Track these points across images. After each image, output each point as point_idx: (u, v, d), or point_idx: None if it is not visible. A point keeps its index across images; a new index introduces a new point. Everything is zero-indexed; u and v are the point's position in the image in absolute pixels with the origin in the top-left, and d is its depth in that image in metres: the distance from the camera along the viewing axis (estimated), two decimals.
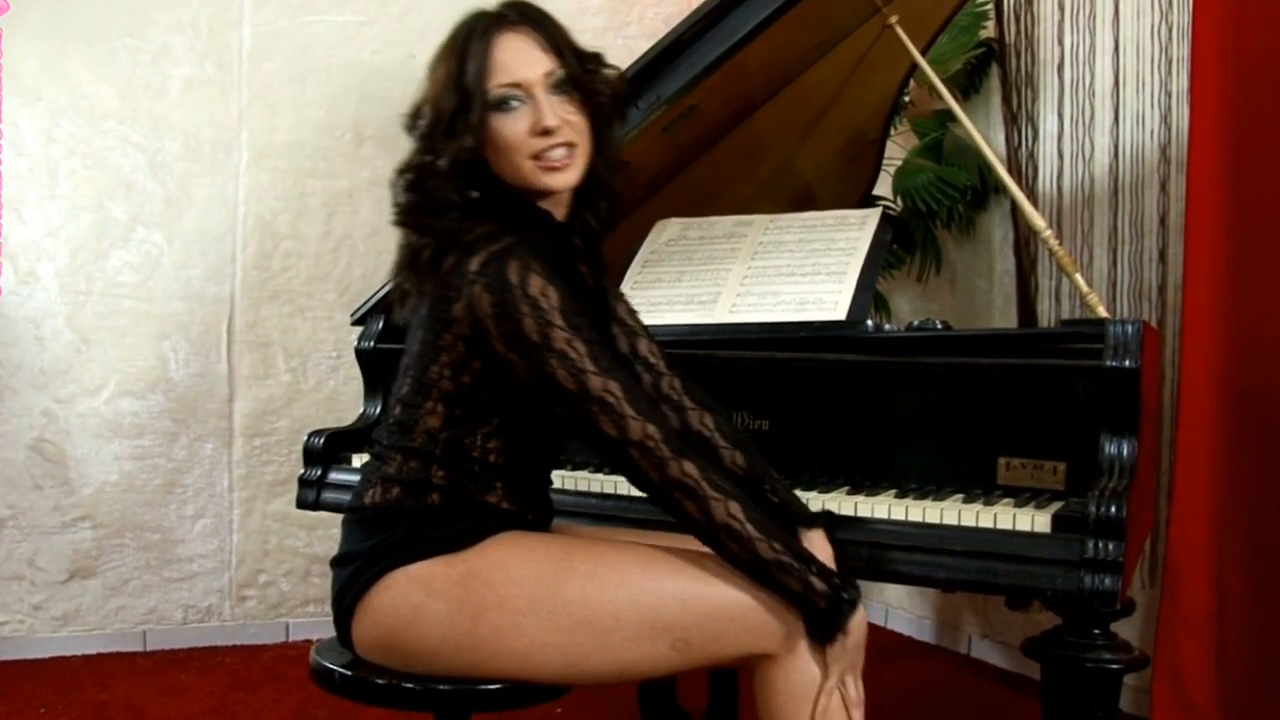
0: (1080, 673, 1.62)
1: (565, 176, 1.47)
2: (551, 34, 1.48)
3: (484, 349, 1.42)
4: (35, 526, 3.26)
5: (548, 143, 1.44)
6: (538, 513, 1.61)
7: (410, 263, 1.49)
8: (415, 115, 1.50)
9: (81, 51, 3.27)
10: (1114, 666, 1.62)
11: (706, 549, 1.51)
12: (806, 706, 1.40)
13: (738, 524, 1.37)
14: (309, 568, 3.53)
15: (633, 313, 1.71)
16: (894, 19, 2.16)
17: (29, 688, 2.99)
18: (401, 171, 1.51)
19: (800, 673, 1.41)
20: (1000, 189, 3.27)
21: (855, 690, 1.43)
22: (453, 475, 1.49)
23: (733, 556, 1.39)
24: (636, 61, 1.98)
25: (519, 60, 1.44)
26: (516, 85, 1.43)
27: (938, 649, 3.55)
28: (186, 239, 3.39)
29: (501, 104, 1.43)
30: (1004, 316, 3.29)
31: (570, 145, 1.46)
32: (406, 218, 1.50)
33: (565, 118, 1.45)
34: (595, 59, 1.53)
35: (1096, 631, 1.62)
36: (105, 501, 3.32)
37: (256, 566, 3.49)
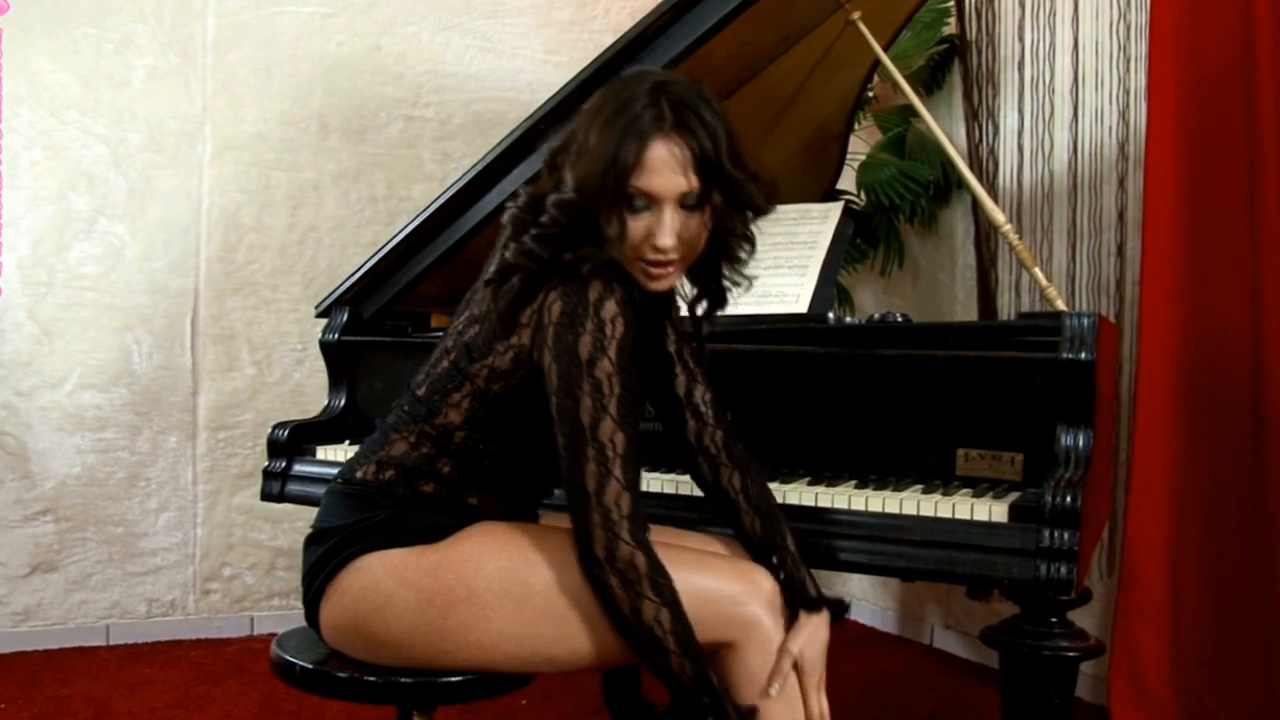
0: (1038, 660, 1.64)
1: (661, 284, 1.46)
2: (705, 149, 1.40)
3: (531, 359, 1.43)
4: None
5: (655, 257, 1.42)
6: (526, 509, 1.64)
7: (503, 269, 1.47)
8: (562, 152, 1.46)
9: (43, 40, 3.24)
10: (1071, 654, 1.65)
11: (669, 540, 1.53)
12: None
13: (661, 632, 1.36)
14: (274, 561, 3.52)
15: (698, 359, 1.67)
16: (856, 15, 2.17)
17: None
18: (529, 208, 1.48)
19: (761, 659, 1.42)
20: (962, 184, 3.31)
21: None
22: (457, 474, 1.50)
23: (647, 659, 1.39)
24: (601, 55, 1.99)
25: (662, 174, 1.39)
26: (650, 194, 1.40)
27: (901, 639, 3.58)
28: (150, 231, 3.37)
29: (630, 203, 1.40)
30: (966, 310, 3.32)
31: (671, 263, 1.44)
32: (520, 246, 1.45)
33: (682, 235, 1.42)
34: (744, 179, 1.46)
35: (1054, 620, 1.65)
36: (67, 495, 3.29)
37: (221, 560, 3.47)
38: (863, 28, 2.18)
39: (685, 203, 1.41)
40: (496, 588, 1.42)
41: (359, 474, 1.53)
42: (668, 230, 1.40)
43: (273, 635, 3.47)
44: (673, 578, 1.40)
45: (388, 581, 1.44)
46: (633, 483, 1.38)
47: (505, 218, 1.50)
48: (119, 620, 3.36)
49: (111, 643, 3.34)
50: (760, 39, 2.18)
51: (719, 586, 1.43)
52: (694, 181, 1.40)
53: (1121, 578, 2.58)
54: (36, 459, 3.27)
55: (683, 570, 1.42)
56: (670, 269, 1.44)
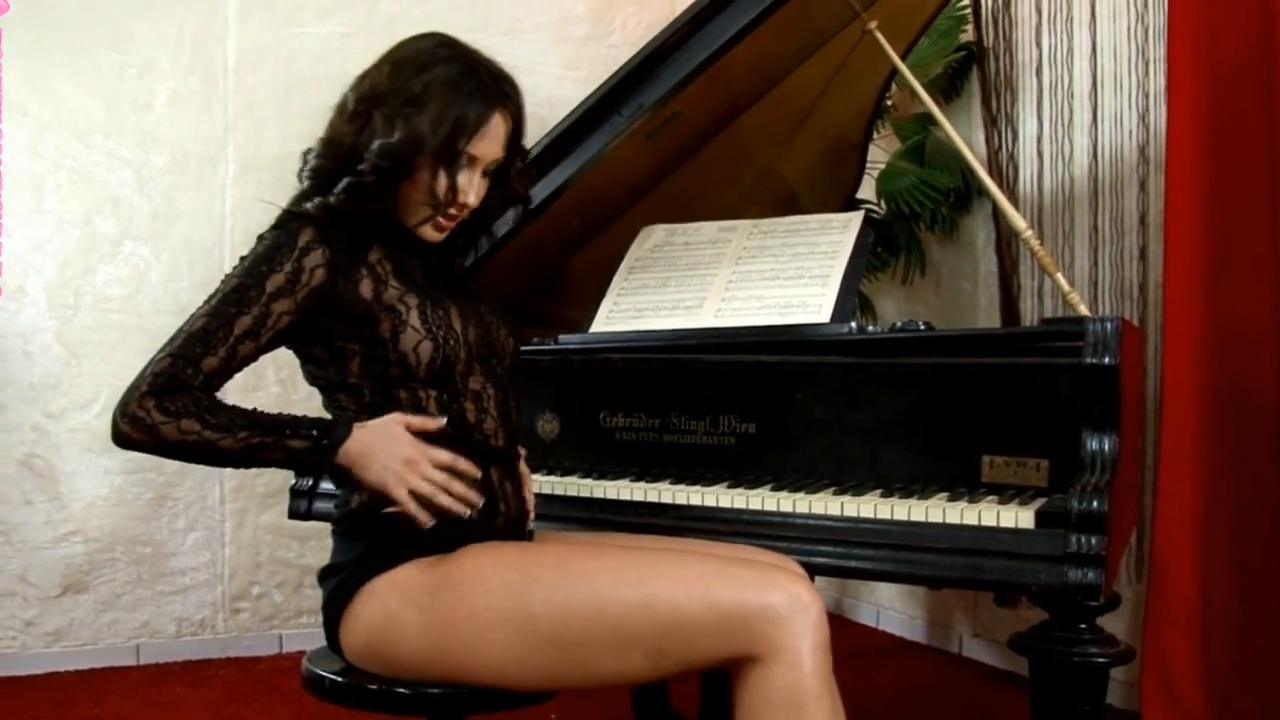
0: (1068, 667, 1.63)
1: (439, 237, 1.60)
2: (519, 129, 1.61)
3: (306, 321, 1.50)
4: (26, 542, 3.25)
5: (452, 212, 1.57)
6: (512, 483, 1.62)
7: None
8: (377, 101, 1.52)
9: (67, 66, 3.28)
10: (1101, 660, 1.64)
11: (688, 550, 1.51)
12: (788, 712, 1.33)
13: (196, 437, 1.39)
14: (301, 579, 3.53)
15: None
16: (873, 24, 2.18)
17: (22, 704, 2.99)
18: (335, 156, 1.54)
19: (782, 677, 1.34)
20: (982, 191, 3.31)
21: (438, 476, 1.48)
22: None
23: (211, 464, 1.44)
24: (619, 70, 2.00)
25: (491, 142, 1.55)
26: (475, 158, 1.55)
27: (929, 648, 3.56)
28: (174, 252, 3.40)
29: (457, 161, 1.53)
30: (989, 317, 3.31)
31: (461, 218, 1.60)
32: (324, 200, 1.54)
33: (480, 197, 1.59)
34: (525, 154, 1.68)
35: (1083, 626, 1.64)
36: (96, 516, 3.32)
37: (249, 578, 3.49)
38: (879, 36, 2.18)
39: (490, 169, 1.59)
40: (496, 606, 1.40)
41: (354, 503, 1.54)
42: (473, 190, 1.56)
43: (302, 653, 3.47)
44: (681, 596, 1.37)
45: (393, 602, 1.45)
46: (186, 354, 1.42)
47: (306, 170, 1.58)
48: (149, 640, 3.38)
49: (142, 662, 3.36)
50: (779, 50, 2.18)
51: (744, 597, 1.36)
52: (503, 153, 1.58)
53: (1151, 582, 2.56)
54: (65, 480, 3.30)
55: (695, 587, 1.37)
56: (454, 223, 1.59)
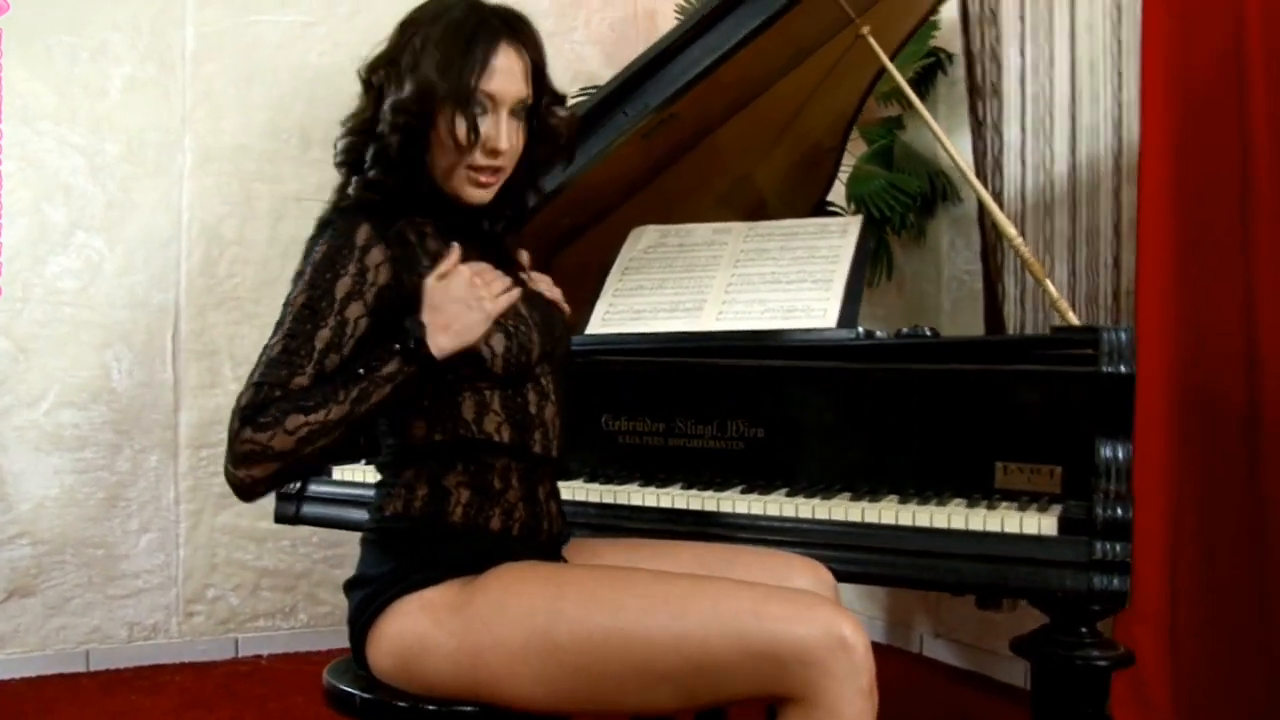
0: (1070, 671, 1.66)
1: (483, 194, 1.51)
2: (539, 63, 1.52)
3: (378, 321, 1.42)
4: None
5: (487, 161, 1.48)
6: (556, 502, 1.58)
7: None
8: (387, 67, 1.48)
9: (15, 49, 3.15)
10: (1102, 663, 1.67)
11: (723, 572, 1.46)
12: None
13: (305, 428, 1.33)
14: (258, 581, 3.44)
15: None
16: (866, 29, 2.19)
17: None
18: (358, 132, 1.49)
19: None
20: (949, 195, 3.35)
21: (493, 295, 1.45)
22: (471, 467, 1.46)
23: (344, 438, 1.37)
24: (628, 67, 1.99)
25: (506, 77, 1.46)
26: (493, 97, 1.46)
27: (890, 649, 3.60)
28: (129, 244, 3.29)
29: (474, 105, 1.45)
30: (952, 320, 3.36)
31: (501, 169, 1.51)
32: (362, 179, 1.49)
33: (513, 142, 1.49)
34: (560, 99, 1.59)
35: (1084, 630, 1.67)
36: (45, 517, 3.20)
37: (204, 581, 3.39)
38: (873, 41, 2.19)
39: (516, 110, 1.49)
40: (521, 637, 1.34)
41: (388, 511, 1.48)
42: (504, 134, 1.47)
43: (258, 657, 3.41)
44: (712, 633, 1.29)
45: (424, 623, 1.39)
46: (272, 379, 1.35)
47: (337, 152, 1.51)
48: (99, 645, 3.27)
49: (92, 669, 3.25)
50: (774, 55, 2.18)
51: (780, 638, 1.27)
52: (528, 90, 1.50)
53: None
54: (12, 480, 3.17)
55: (729, 622, 1.29)
56: (496, 177, 1.50)
